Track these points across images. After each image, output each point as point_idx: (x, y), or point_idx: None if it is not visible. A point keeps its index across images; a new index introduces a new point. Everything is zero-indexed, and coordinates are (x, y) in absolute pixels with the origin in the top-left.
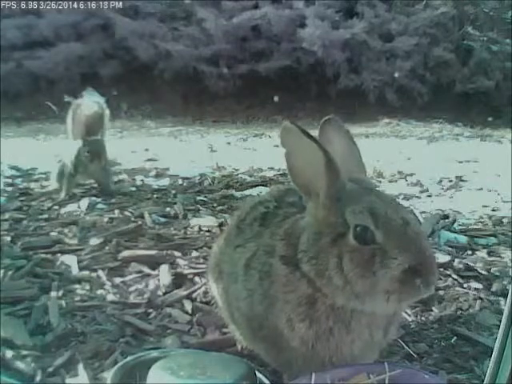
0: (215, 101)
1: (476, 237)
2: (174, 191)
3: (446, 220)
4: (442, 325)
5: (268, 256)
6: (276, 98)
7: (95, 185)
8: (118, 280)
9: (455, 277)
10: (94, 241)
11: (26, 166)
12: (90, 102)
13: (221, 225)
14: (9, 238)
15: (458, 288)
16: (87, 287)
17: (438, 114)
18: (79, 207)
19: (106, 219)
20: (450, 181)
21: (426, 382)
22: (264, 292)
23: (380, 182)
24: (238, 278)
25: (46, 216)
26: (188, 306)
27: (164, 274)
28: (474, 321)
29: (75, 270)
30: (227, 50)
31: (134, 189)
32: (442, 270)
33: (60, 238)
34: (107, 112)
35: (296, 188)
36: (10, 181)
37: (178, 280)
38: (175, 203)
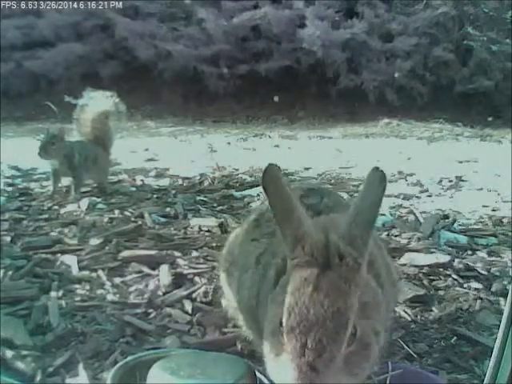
0: (215, 101)
1: (476, 237)
2: (173, 191)
3: (446, 220)
4: (442, 325)
5: (273, 257)
6: (276, 98)
7: (95, 185)
8: (118, 280)
9: (455, 277)
10: (94, 241)
11: (26, 166)
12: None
13: (221, 225)
14: (9, 238)
15: (458, 288)
16: (87, 287)
17: (438, 114)
18: (79, 207)
19: (105, 219)
20: (450, 181)
21: (426, 382)
22: (260, 289)
23: None
24: (249, 269)
25: (46, 216)
26: (188, 306)
27: (164, 274)
28: (474, 321)
29: (75, 270)
30: (227, 50)
31: (133, 189)
32: (441, 270)
33: (60, 237)
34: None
35: (317, 188)
36: (10, 181)
37: (178, 280)
38: (175, 203)
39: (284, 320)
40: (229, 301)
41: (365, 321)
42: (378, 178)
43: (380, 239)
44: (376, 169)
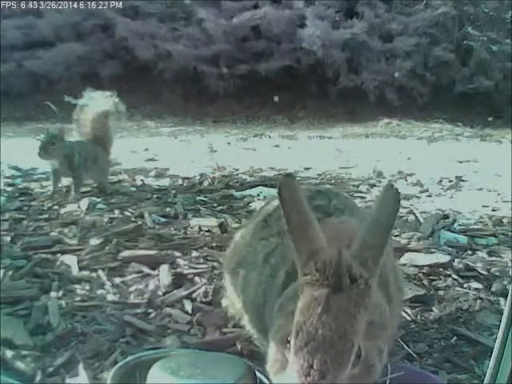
0: (215, 101)
1: (476, 237)
2: (173, 191)
3: (446, 220)
4: (442, 325)
5: (282, 257)
6: (276, 98)
7: (95, 184)
8: (118, 280)
9: (455, 277)
10: (94, 241)
11: (26, 166)
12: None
13: (221, 225)
14: (9, 238)
15: (458, 288)
16: (87, 287)
17: (438, 114)
18: (79, 207)
19: (105, 219)
20: (450, 181)
21: (426, 382)
22: (266, 289)
23: (380, 181)
24: (256, 268)
25: (46, 216)
26: (188, 306)
27: (164, 274)
28: (474, 321)
29: (75, 270)
30: (227, 50)
31: (133, 189)
32: (441, 270)
33: (60, 237)
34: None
35: (325, 190)
36: (10, 181)
37: (178, 280)
38: (175, 203)
39: (292, 338)
40: (232, 301)
41: (370, 342)
42: (393, 197)
43: (390, 245)
44: (390, 186)
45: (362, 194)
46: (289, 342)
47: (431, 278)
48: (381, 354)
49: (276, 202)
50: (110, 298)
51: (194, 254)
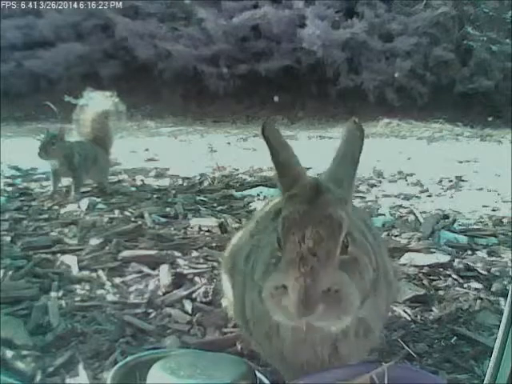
0: (215, 101)
1: (476, 237)
2: (173, 191)
3: (446, 220)
4: (442, 325)
5: (256, 252)
6: (276, 98)
7: (95, 184)
8: (118, 280)
9: (455, 277)
10: (94, 241)
11: (25, 166)
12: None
13: (221, 225)
14: (9, 238)
15: (458, 288)
16: (87, 287)
17: (438, 114)
18: (79, 207)
19: (106, 219)
20: (450, 181)
21: (426, 382)
22: (241, 286)
23: (380, 182)
24: (240, 269)
25: (45, 216)
26: (188, 306)
27: (164, 274)
28: (474, 321)
29: (75, 270)
30: (227, 50)
31: (133, 189)
32: (441, 270)
33: (60, 237)
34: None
35: None
36: (10, 181)
37: (178, 280)
38: (175, 203)
39: (279, 229)
40: (230, 301)
41: (354, 245)
42: (358, 129)
43: (381, 238)
44: (354, 122)
45: (362, 194)
46: (279, 244)
47: (431, 277)
48: (378, 313)
49: (272, 203)
50: (110, 298)
51: (194, 253)
